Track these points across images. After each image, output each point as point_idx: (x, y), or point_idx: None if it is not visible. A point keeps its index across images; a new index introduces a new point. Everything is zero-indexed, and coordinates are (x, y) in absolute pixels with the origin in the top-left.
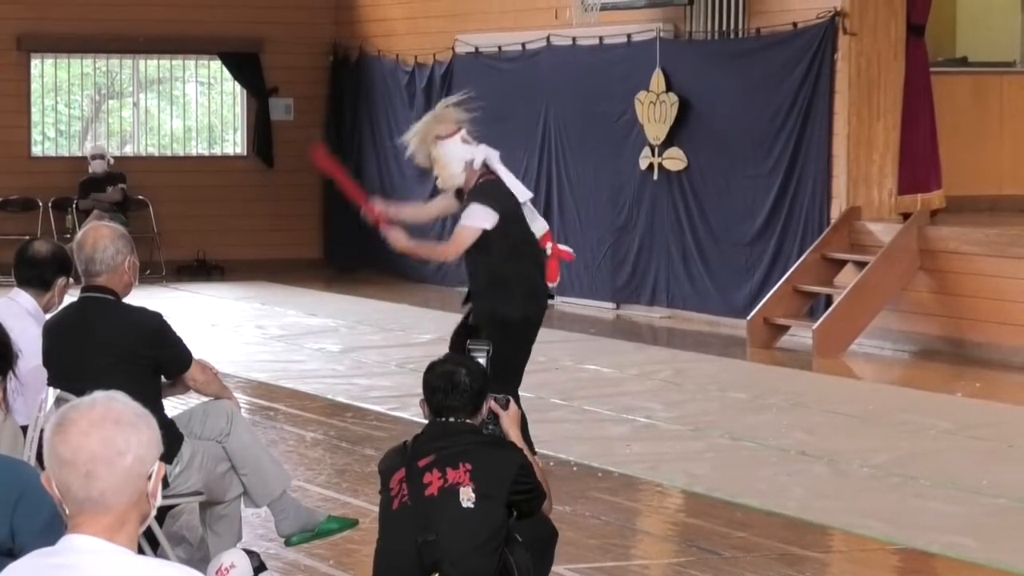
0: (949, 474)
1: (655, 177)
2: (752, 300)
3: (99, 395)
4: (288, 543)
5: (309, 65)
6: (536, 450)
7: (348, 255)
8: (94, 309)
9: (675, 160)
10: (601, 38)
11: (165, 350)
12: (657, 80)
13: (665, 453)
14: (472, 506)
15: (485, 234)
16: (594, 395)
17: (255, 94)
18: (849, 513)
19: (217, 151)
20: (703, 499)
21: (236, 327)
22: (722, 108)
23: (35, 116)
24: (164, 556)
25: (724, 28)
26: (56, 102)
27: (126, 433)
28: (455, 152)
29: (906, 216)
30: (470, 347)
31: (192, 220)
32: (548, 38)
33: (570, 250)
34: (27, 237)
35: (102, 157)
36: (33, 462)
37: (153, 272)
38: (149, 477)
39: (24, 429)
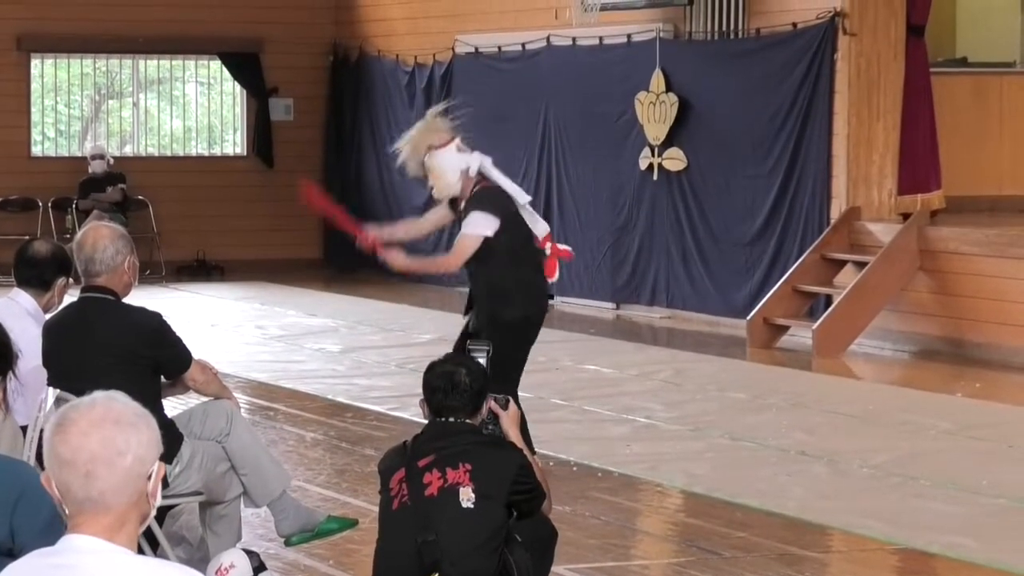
0: (949, 474)
1: (655, 177)
2: (752, 300)
3: (99, 395)
4: (288, 543)
5: (309, 65)
6: (536, 450)
7: (348, 255)
8: (94, 309)
9: (675, 160)
10: (601, 38)
11: (165, 350)
12: (657, 80)
13: (665, 453)
14: (472, 506)
15: (485, 241)
16: (594, 395)
17: (255, 94)
18: (849, 513)
19: (217, 151)
20: (703, 499)
21: (236, 327)
22: (722, 108)
23: (35, 116)
24: (164, 556)
25: (724, 28)
26: (56, 102)
27: (126, 433)
28: (450, 161)
29: (906, 216)
30: (470, 347)
31: (192, 220)
32: (548, 38)
33: (569, 249)
34: (27, 237)
35: (102, 157)
36: (33, 462)
37: (153, 272)
38: (149, 477)
39: (24, 429)
